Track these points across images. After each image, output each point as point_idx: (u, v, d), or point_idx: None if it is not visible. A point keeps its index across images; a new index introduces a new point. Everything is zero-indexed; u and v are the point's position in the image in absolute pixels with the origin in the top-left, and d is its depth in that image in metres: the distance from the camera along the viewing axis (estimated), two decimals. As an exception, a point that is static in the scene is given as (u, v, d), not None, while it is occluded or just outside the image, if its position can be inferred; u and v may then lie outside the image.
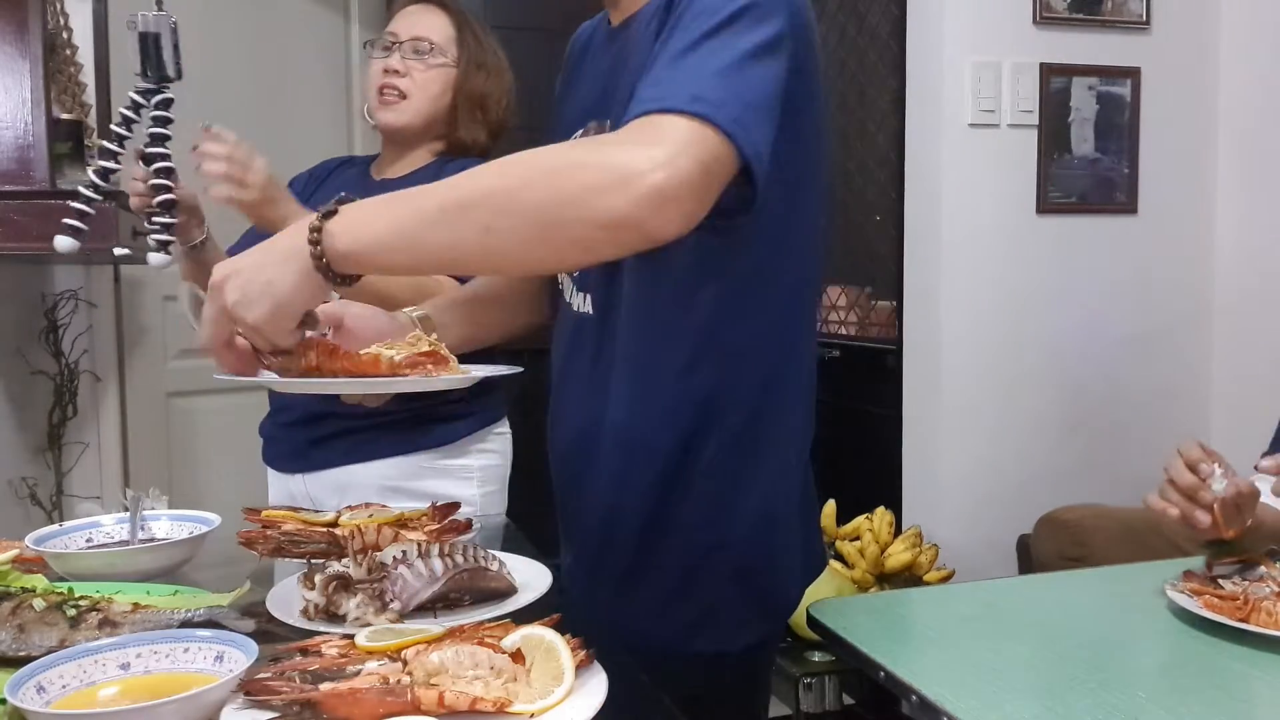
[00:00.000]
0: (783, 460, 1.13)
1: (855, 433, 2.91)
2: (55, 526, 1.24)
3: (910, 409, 2.76)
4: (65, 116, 2.02)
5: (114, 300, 2.48)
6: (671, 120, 0.86)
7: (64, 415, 2.36)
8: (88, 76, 2.26)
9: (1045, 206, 2.65)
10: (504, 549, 1.14)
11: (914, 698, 1.01)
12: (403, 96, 1.65)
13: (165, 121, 1.36)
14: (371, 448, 1.63)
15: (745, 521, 1.09)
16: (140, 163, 1.38)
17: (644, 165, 0.83)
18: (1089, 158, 2.69)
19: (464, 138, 1.70)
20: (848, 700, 2.51)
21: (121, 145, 1.37)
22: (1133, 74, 2.69)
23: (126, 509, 1.27)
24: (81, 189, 1.36)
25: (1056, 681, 1.01)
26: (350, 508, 1.27)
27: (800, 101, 1.00)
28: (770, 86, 0.93)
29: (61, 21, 2.15)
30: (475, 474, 1.69)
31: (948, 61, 2.57)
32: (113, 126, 1.37)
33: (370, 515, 1.22)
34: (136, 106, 1.35)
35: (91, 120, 2.22)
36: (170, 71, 1.34)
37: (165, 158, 1.37)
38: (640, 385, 1.10)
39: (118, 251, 1.99)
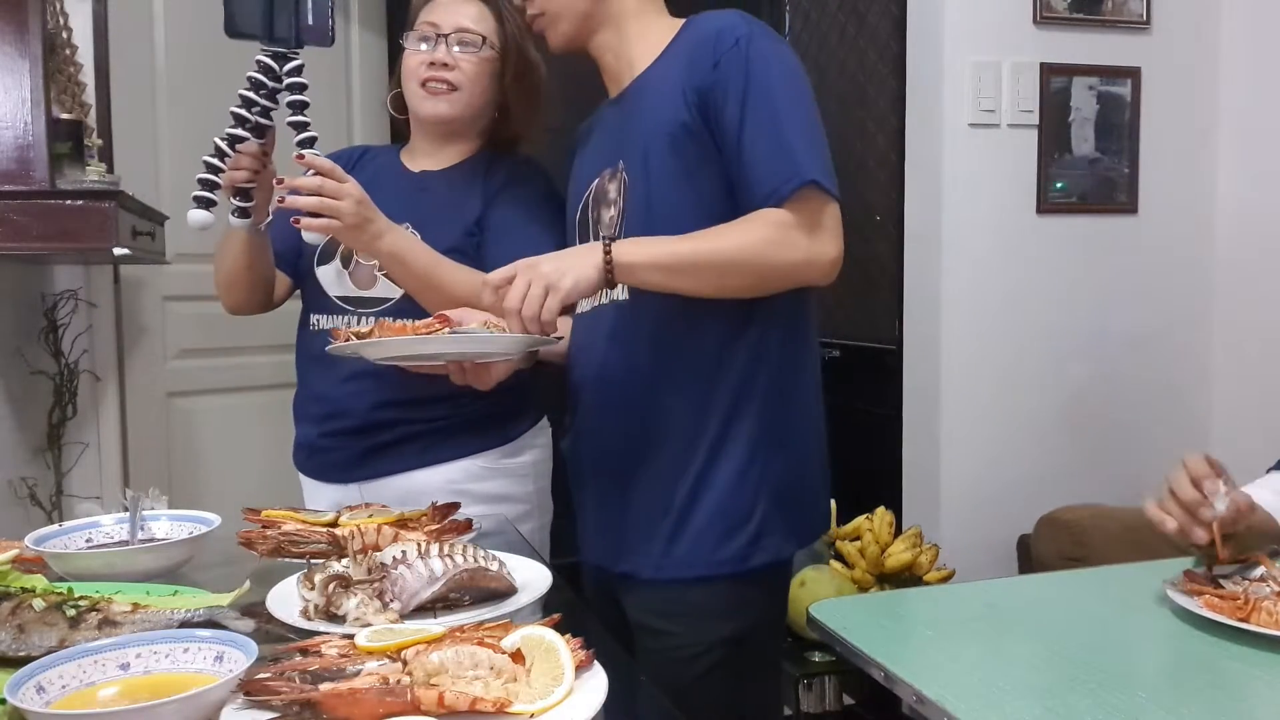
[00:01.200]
0: (807, 406, 1.38)
1: (855, 433, 2.91)
2: (55, 526, 1.24)
3: (910, 409, 2.76)
4: (65, 116, 2.02)
5: (114, 300, 2.48)
6: (825, 203, 1.25)
7: (64, 415, 2.36)
8: (88, 76, 2.25)
9: (1045, 206, 2.65)
10: (504, 549, 1.14)
11: (914, 698, 1.01)
12: (453, 88, 1.59)
13: (302, 88, 1.33)
14: (437, 451, 1.59)
15: (787, 456, 1.34)
16: (253, 136, 1.39)
17: (832, 254, 1.26)
18: (1089, 157, 2.69)
19: (517, 130, 1.66)
20: (848, 700, 2.51)
21: (251, 112, 1.36)
22: (1133, 74, 2.69)
23: (126, 509, 1.27)
24: (207, 159, 1.36)
25: (1056, 681, 1.01)
26: (350, 508, 1.27)
27: None
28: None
29: (61, 21, 2.15)
30: (530, 470, 1.67)
31: (948, 61, 2.57)
32: (244, 93, 1.36)
33: (370, 515, 1.22)
34: (268, 70, 1.32)
35: (91, 120, 2.21)
36: (310, 36, 1.31)
37: (306, 126, 1.35)
38: (683, 357, 1.32)
39: (117, 251, 1.99)
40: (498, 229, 1.57)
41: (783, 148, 1.25)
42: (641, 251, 1.23)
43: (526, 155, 1.68)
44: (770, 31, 1.32)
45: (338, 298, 1.62)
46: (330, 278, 1.62)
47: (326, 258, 1.63)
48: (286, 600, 1.01)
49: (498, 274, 1.21)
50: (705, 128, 1.27)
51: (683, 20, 1.39)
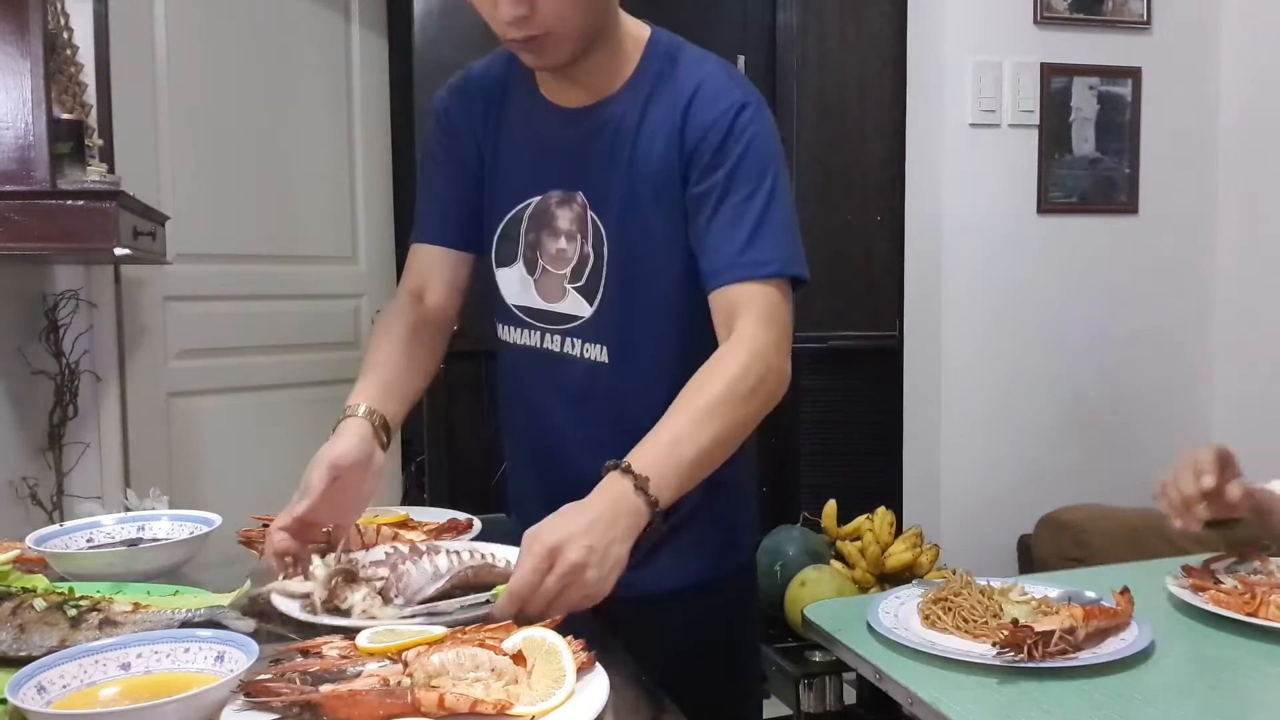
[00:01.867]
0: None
1: (855, 433, 2.91)
2: (56, 526, 1.24)
3: (910, 409, 2.76)
4: (65, 116, 2.01)
5: (114, 300, 2.48)
6: (787, 301, 1.18)
7: (64, 415, 2.35)
8: (88, 76, 2.25)
9: (1045, 206, 2.65)
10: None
11: (908, 700, 1.01)
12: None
13: None
14: None
15: (722, 488, 1.25)
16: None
17: (789, 375, 1.17)
18: (1089, 157, 2.69)
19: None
20: (848, 700, 2.51)
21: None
22: (1133, 74, 2.69)
23: (127, 509, 1.27)
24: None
25: (1056, 682, 1.01)
26: None
27: None
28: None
29: (62, 21, 2.15)
30: None
31: (948, 61, 2.57)
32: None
33: (375, 516, 1.22)
34: None
35: (92, 120, 2.21)
36: None
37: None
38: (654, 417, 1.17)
39: (118, 251, 1.99)
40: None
41: (761, 230, 1.17)
42: (672, 481, 1.06)
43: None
44: (766, 106, 1.23)
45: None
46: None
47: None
48: (290, 595, 1.01)
49: (520, 576, 0.96)
50: (682, 183, 1.20)
51: (645, 29, 1.25)
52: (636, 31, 1.25)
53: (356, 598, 0.96)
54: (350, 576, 0.99)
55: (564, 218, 1.25)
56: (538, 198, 1.27)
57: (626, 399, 1.24)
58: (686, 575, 1.27)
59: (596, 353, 1.25)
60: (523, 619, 0.93)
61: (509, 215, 1.29)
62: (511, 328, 1.32)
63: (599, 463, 1.11)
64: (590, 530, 0.99)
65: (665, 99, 1.21)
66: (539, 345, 1.29)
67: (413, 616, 0.96)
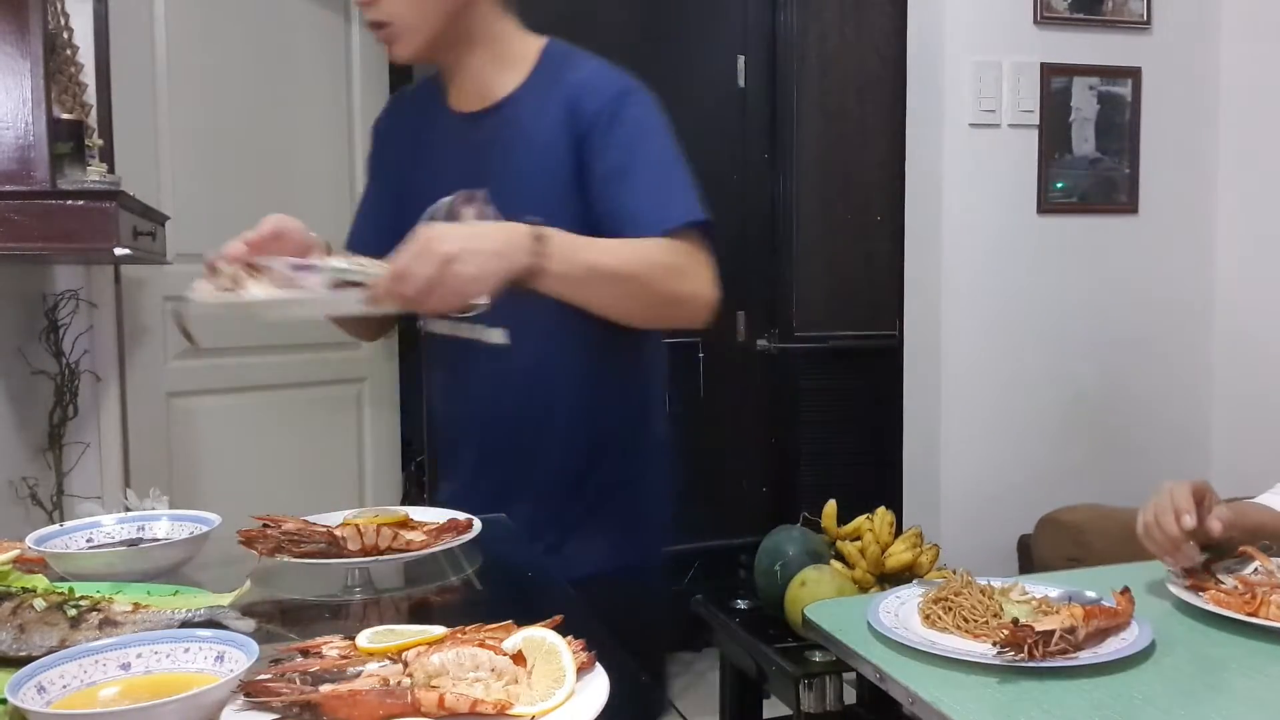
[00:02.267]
0: (656, 429, 1.45)
1: (855, 433, 2.91)
2: (56, 526, 1.23)
3: (911, 409, 2.76)
4: (65, 116, 2.01)
5: (114, 300, 2.48)
6: (705, 247, 1.26)
7: (64, 415, 2.35)
8: (88, 76, 2.25)
9: (1045, 206, 2.65)
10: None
11: (909, 699, 1.01)
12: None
13: None
14: None
15: (636, 474, 1.41)
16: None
17: (713, 295, 1.25)
18: (1089, 157, 2.69)
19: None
20: (848, 700, 2.51)
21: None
22: (1133, 74, 2.69)
23: (127, 509, 1.27)
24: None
25: (1056, 681, 1.01)
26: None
27: None
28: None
29: (62, 21, 2.15)
30: None
31: (948, 61, 2.57)
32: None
33: (375, 515, 1.22)
34: None
35: (92, 120, 2.21)
36: None
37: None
38: (561, 392, 1.35)
39: (118, 251, 1.99)
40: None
41: (667, 187, 1.27)
42: (563, 257, 1.15)
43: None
44: (649, 93, 1.33)
45: None
46: None
47: None
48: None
49: (398, 257, 1.09)
50: (578, 172, 1.29)
51: (542, 40, 1.36)
52: (531, 41, 1.36)
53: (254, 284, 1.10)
54: (252, 270, 1.13)
55: (468, 215, 1.34)
56: (448, 198, 1.37)
57: (530, 377, 1.35)
58: (593, 564, 1.34)
59: (497, 336, 1.34)
60: (403, 303, 1.09)
61: (425, 216, 1.39)
62: (427, 318, 1.43)
63: (518, 434, 1.33)
64: (470, 235, 1.11)
65: (555, 96, 1.31)
66: (449, 333, 1.39)
67: (293, 271, 1.10)
